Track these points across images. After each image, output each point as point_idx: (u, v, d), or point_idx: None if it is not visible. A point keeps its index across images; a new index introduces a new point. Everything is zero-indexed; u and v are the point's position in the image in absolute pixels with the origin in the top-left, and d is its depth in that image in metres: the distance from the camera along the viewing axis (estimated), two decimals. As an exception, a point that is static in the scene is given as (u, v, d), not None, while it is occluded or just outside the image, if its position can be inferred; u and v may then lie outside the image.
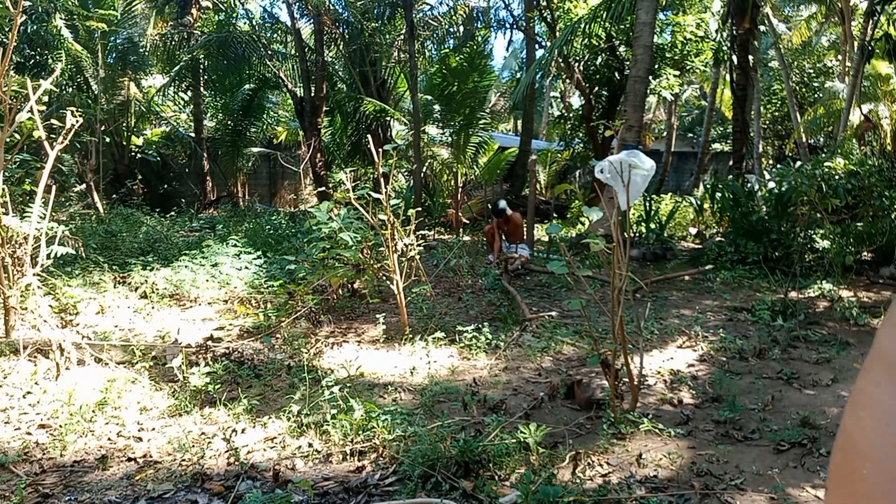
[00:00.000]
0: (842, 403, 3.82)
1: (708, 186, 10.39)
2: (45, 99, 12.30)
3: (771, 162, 20.59)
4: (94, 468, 3.08)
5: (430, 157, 15.95)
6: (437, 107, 14.95)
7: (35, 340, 4.57)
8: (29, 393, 3.94)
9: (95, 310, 5.79)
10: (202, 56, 15.54)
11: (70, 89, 13.87)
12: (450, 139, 14.71)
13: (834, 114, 16.97)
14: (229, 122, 16.97)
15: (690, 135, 28.53)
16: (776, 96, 20.94)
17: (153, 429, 3.53)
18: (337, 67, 17.17)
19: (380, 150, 5.30)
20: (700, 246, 9.94)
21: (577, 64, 13.06)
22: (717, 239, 9.41)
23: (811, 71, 19.87)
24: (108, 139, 14.56)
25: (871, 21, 12.86)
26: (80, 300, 5.73)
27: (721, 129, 27.11)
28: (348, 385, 3.90)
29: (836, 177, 7.84)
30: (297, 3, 14.52)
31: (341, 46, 15.92)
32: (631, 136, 9.15)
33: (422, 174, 14.36)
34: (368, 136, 7.15)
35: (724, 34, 13.45)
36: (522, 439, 3.06)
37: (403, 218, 5.80)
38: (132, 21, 16.00)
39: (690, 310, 6.23)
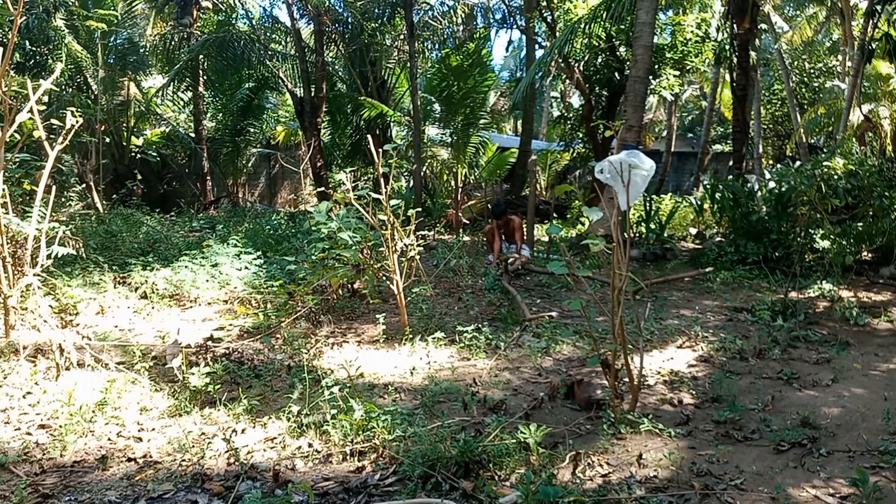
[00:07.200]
0: (842, 403, 3.82)
1: (708, 186, 10.38)
2: (45, 99, 12.29)
3: (771, 162, 20.58)
4: (94, 468, 3.08)
5: (430, 157, 15.95)
6: (437, 107, 14.96)
7: (35, 340, 4.57)
8: (29, 393, 3.94)
9: (95, 310, 5.79)
10: (202, 56, 15.53)
11: (70, 89, 13.86)
12: (450, 139, 14.70)
13: (834, 114, 16.98)
14: (229, 123, 16.96)
15: (690, 135, 28.55)
16: (776, 96, 20.94)
17: (153, 429, 3.53)
18: (337, 67, 17.16)
19: (379, 150, 5.30)
20: (700, 246, 9.93)
21: (577, 64, 13.04)
22: (717, 239, 9.39)
23: (812, 71, 19.87)
24: (107, 139, 14.55)
25: (871, 21, 12.84)
26: (80, 300, 5.72)
27: (721, 129, 27.09)
28: (348, 385, 3.90)
29: (836, 177, 7.84)
30: (297, 4, 14.50)
31: (341, 46, 15.91)
32: (631, 136, 9.15)
33: (422, 174, 14.36)
34: (368, 136, 7.16)
35: (725, 34, 13.44)
36: (522, 439, 3.06)
37: (403, 218, 5.80)
38: (132, 21, 16.00)
39: (690, 310, 6.23)
